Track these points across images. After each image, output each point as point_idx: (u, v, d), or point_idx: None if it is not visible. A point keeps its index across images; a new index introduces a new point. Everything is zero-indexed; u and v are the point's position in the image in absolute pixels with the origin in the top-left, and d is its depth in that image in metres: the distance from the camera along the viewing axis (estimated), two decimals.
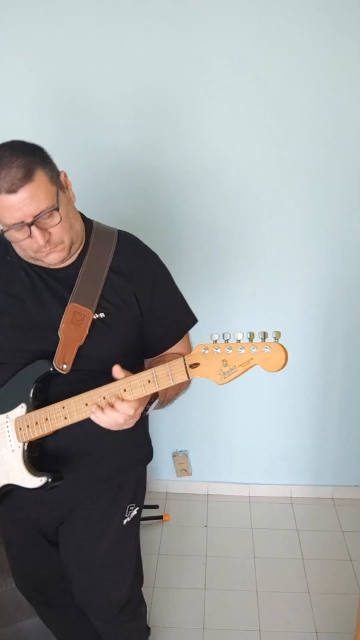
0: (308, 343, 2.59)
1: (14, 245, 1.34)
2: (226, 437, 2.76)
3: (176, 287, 1.51)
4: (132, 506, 1.56)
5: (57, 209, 1.26)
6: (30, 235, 1.26)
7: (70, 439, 1.39)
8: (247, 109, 2.26)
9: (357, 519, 2.70)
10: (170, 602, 2.22)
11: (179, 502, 2.78)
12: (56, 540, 1.58)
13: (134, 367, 1.39)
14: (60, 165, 1.35)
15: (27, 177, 1.22)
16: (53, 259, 1.32)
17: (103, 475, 1.48)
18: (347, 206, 2.41)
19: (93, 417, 1.26)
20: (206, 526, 2.66)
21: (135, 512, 1.57)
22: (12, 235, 1.28)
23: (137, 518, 1.59)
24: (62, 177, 1.32)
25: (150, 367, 1.37)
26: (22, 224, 1.24)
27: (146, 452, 1.59)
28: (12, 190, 1.21)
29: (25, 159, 1.23)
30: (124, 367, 1.28)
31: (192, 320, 1.52)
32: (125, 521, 1.55)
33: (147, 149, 2.30)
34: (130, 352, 1.42)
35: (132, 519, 1.56)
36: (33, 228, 1.25)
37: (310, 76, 2.21)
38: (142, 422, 1.47)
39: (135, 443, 1.53)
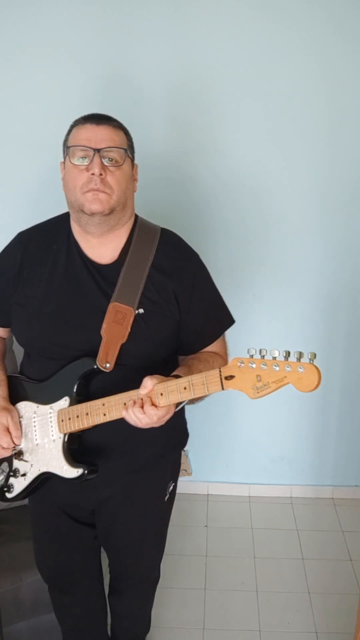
0: (308, 343, 2.59)
1: (66, 188, 1.39)
2: (226, 437, 2.76)
3: (215, 287, 1.54)
4: (171, 483, 1.65)
5: (125, 152, 1.38)
6: (88, 166, 1.34)
7: (110, 432, 1.42)
8: (260, 116, 2.30)
9: (357, 519, 2.70)
10: (170, 602, 2.22)
11: (179, 502, 2.75)
12: (89, 522, 1.62)
13: (169, 362, 1.45)
14: None
15: (113, 123, 1.39)
16: (95, 206, 1.34)
17: (142, 463, 1.53)
18: (349, 209, 2.42)
19: (123, 413, 1.31)
20: (206, 526, 2.66)
21: (172, 487, 1.66)
22: (73, 162, 1.36)
23: (174, 492, 1.68)
24: (135, 166, 1.45)
25: (183, 363, 1.43)
26: (88, 149, 1.34)
27: (182, 438, 1.65)
28: (95, 122, 1.37)
29: (118, 122, 1.41)
30: (160, 362, 1.38)
31: (229, 321, 1.55)
32: (166, 498, 1.64)
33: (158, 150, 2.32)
34: (167, 348, 1.46)
35: (170, 495, 1.66)
36: (96, 156, 1.33)
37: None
38: (179, 410, 1.52)
39: (172, 430, 1.57)
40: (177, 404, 1.33)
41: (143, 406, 1.27)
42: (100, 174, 1.33)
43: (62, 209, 1.50)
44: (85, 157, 1.34)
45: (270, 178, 2.38)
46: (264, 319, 2.55)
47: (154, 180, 2.33)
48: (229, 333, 1.57)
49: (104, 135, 1.35)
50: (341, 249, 2.48)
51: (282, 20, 2.19)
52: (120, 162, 1.36)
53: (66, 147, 1.40)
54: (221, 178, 2.38)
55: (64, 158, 1.41)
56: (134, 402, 1.28)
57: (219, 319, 1.53)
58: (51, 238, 1.47)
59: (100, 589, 1.79)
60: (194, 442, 2.82)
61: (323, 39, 2.21)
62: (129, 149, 1.41)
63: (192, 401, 1.41)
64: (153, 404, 1.27)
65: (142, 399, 1.27)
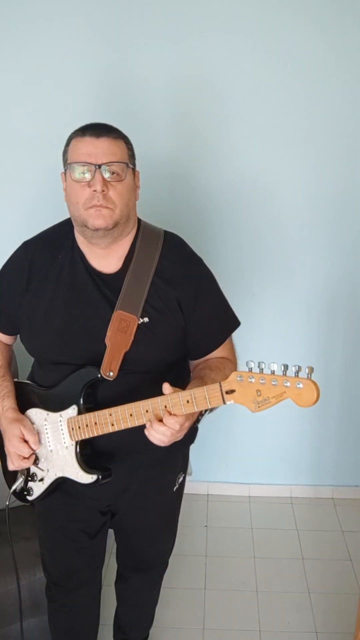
0: (308, 343, 2.59)
1: (69, 202, 1.40)
2: (226, 437, 2.76)
3: (219, 291, 1.55)
4: (181, 474, 1.70)
5: (127, 166, 1.37)
6: (89, 182, 1.33)
7: (121, 437, 1.43)
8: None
9: (357, 519, 2.70)
10: (170, 602, 2.22)
11: None
12: (103, 510, 1.64)
13: (179, 368, 1.48)
14: None
15: (112, 134, 1.37)
16: (99, 222, 1.35)
17: (154, 460, 1.55)
18: (349, 210, 2.42)
19: (146, 433, 1.32)
20: (206, 526, 2.66)
21: (181, 478, 1.70)
22: (74, 178, 1.35)
23: (183, 483, 1.73)
24: (137, 173, 1.44)
25: (194, 371, 1.46)
26: (90, 165, 1.33)
27: (192, 432, 1.66)
28: (95, 135, 1.35)
29: (117, 131, 1.39)
30: (166, 367, 1.40)
31: (234, 323, 1.56)
32: (175, 488, 1.69)
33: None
34: (174, 355, 1.48)
35: (179, 485, 1.70)
36: (97, 172, 1.32)
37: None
38: None
39: None
40: (199, 417, 1.38)
41: (161, 420, 1.29)
42: (103, 190, 1.33)
43: (63, 212, 1.51)
44: (86, 173, 1.34)
45: (270, 179, 2.38)
46: (263, 319, 2.54)
47: (155, 181, 2.34)
48: None
49: (105, 148, 1.34)
50: (341, 250, 2.48)
51: (282, 23, 2.19)
52: (122, 176, 1.36)
53: (66, 161, 1.40)
54: (221, 179, 2.38)
55: (65, 170, 1.41)
56: (150, 420, 1.30)
57: (224, 322, 1.54)
58: (56, 248, 1.48)
59: (98, 596, 1.81)
60: (194, 442, 2.83)
61: (325, 39, 2.21)
62: (130, 159, 1.40)
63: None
64: (168, 412, 1.29)
65: (158, 415, 1.29)
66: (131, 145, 1.42)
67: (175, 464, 1.67)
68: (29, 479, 1.53)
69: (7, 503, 1.54)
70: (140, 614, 1.94)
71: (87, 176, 1.33)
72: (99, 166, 1.32)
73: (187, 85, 2.26)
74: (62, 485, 1.51)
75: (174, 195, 2.38)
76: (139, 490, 1.60)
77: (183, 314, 1.44)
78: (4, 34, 2.20)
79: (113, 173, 1.34)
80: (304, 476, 2.83)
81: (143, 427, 1.34)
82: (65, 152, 1.41)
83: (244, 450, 2.80)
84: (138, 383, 1.33)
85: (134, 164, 1.42)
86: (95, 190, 1.33)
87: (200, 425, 2.96)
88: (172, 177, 2.36)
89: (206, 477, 2.83)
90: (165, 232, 1.51)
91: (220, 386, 1.22)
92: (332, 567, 2.43)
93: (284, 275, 2.51)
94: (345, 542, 2.56)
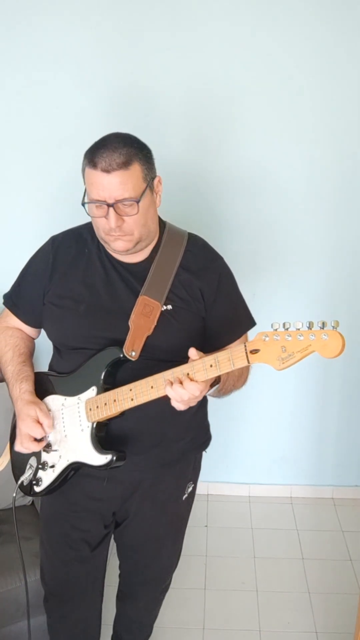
0: None
1: (93, 221, 1.43)
2: (226, 437, 2.76)
3: (238, 289, 1.59)
4: (190, 483, 1.68)
5: (138, 202, 1.35)
6: (106, 215, 1.35)
7: (136, 423, 1.45)
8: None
9: (357, 519, 2.70)
10: (170, 602, 2.21)
11: None
12: (107, 522, 1.63)
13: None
14: None
15: (125, 165, 1.33)
16: (119, 246, 1.40)
17: (167, 459, 1.56)
18: (351, 209, 2.42)
19: (167, 390, 1.32)
20: (206, 526, 2.66)
21: (191, 488, 1.69)
22: (91, 210, 1.38)
23: (193, 492, 1.71)
24: (156, 181, 1.42)
25: None
26: (103, 202, 1.34)
27: (205, 438, 1.69)
28: (106, 170, 1.32)
29: (130, 150, 1.34)
30: (185, 357, 1.35)
31: (250, 323, 1.59)
32: (184, 497, 1.67)
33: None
34: (194, 344, 1.47)
35: (188, 495, 1.69)
36: (111, 210, 1.34)
37: None
38: (202, 409, 1.58)
39: (197, 429, 1.64)
40: (210, 388, 1.38)
41: (182, 383, 1.30)
42: (118, 225, 1.35)
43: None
44: (100, 209, 1.36)
45: (271, 178, 2.38)
46: (264, 318, 2.54)
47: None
48: None
49: (116, 184, 1.32)
50: (341, 251, 2.48)
51: (284, 26, 2.19)
52: (137, 208, 1.35)
53: (84, 183, 1.39)
54: (222, 177, 2.38)
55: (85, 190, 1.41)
56: (171, 382, 1.30)
57: (241, 320, 1.57)
58: (83, 242, 1.52)
59: (98, 609, 1.79)
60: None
61: (326, 40, 2.21)
62: (147, 176, 1.37)
63: (220, 392, 1.48)
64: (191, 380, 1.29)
65: (179, 378, 1.30)
66: (146, 156, 1.39)
67: (186, 470, 1.65)
68: (40, 466, 1.52)
69: (14, 494, 1.53)
70: (139, 629, 1.92)
71: (102, 212, 1.36)
72: (111, 205, 1.33)
73: (195, 86, 2.26)
74: (70, 477, 1.50)
75: (175, 195, 2.38)
76: (148, 493, 1.59)
77: (205, 304, 1.48)
78: (22, 43, 2.21)
79: (127, 206, 1.35)
80: (304, 476, 2.83)
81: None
82: (82, 174, 1.40)
83: (244, 450, 2.80)
84: (156, 369, 1.34)
85: (153, 174, 1.40)
86: (110, 226, 1.36)
87: None
88: (175, 177, 2.36)
89: (206, 477, 2.80)
90: (189, 232, 1.56)
91: (245, 346, 1.21)
92: (332, 567, 2.43)
93: (285, 275, 2.51)
94: (345, 542, 2.56)
